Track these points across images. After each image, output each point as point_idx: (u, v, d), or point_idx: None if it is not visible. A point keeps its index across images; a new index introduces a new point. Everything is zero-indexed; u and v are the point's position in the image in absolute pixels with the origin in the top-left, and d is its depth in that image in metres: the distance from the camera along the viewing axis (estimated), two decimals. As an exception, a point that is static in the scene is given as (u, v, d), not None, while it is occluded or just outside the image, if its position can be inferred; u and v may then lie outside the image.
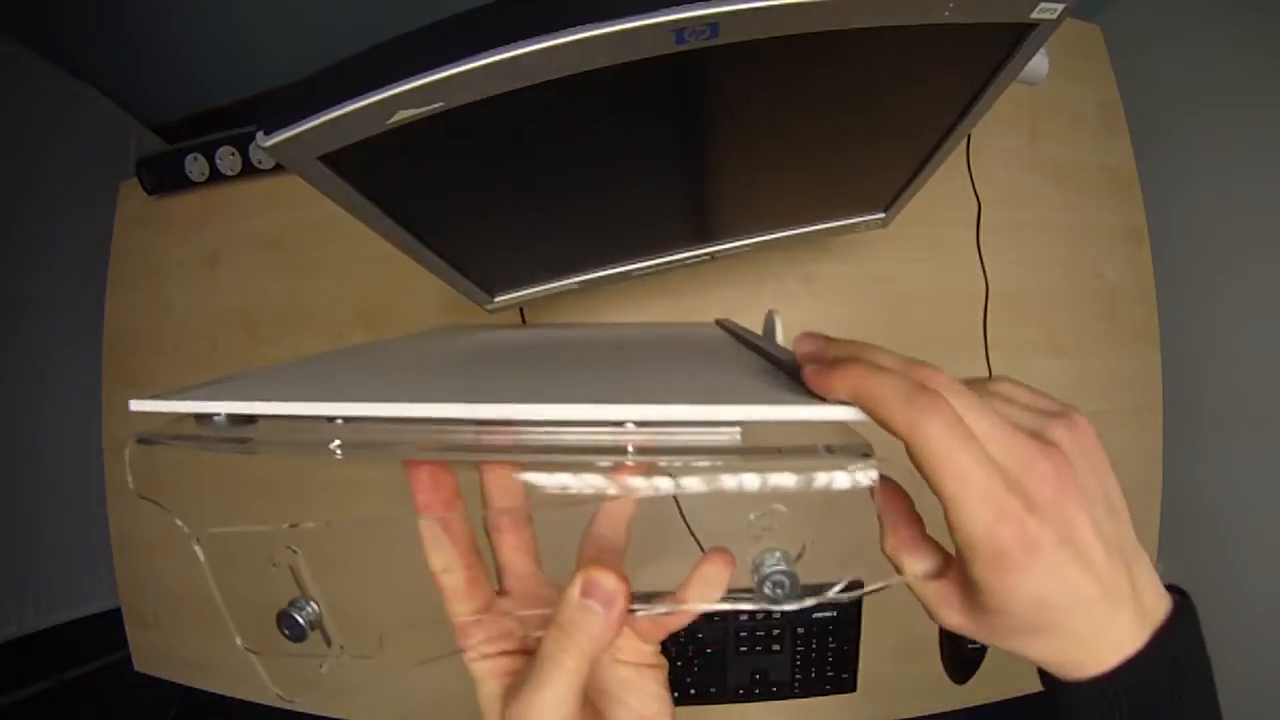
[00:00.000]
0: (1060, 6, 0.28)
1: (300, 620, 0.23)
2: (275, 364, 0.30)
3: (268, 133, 0.25)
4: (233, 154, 0.76)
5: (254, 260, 0.78)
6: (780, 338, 0.39)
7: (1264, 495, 0.70)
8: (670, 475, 0.20)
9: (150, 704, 1.18)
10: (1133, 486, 0.74)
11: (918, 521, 0.25)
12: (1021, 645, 0.22)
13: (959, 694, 0.67)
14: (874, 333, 0.71)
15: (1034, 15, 0.28)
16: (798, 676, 0.66)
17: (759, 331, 0.44)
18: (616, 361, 0.34)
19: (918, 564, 0.25)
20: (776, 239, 0.55)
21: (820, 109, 0.36)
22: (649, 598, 0.23)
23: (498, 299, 0.53)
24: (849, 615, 0.66)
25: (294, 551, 0.24)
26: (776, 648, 0.66)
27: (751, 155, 0.41)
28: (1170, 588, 0.23)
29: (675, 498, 0.21)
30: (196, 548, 0.23)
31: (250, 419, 0.22)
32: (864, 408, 0.21)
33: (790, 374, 0.24)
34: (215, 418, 0.22)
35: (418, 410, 0.20)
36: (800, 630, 0.66)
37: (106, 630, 0.86)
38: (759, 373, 0.26)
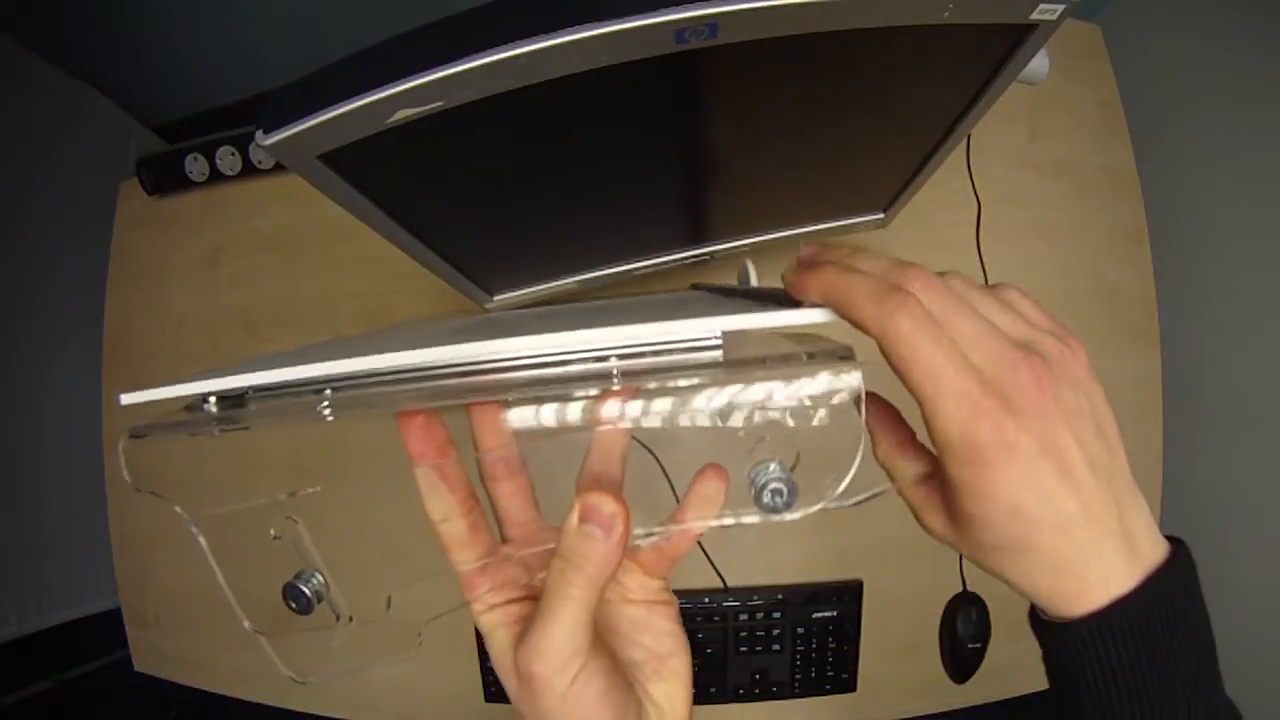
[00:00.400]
0: (1060, 7, 0.28)
1: (306, 591, 0.23)
2: (263, 354, 0.30)
3: (267, 131, 0.25)
4: (233, 154, 0.76)
5: (254, 260, 0.78)
6: (755, 284, 0.39)
7: (1264, 495, 0.70)
8: (656, 395, 0.20)
9: (150, 704, 1.18)
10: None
11: (905, 427, 0.25)
12: (1001, 564, 0.22)
13: (959, 694, 0.67)
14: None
15: (1034, 16, 0.28)
16: (798, 676, 0.66)
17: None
18: (598, 316, 0.35)
19: (908, 468, 0.25)
20: (776, 239, 0.55)
21: (820, 109, 0.36)
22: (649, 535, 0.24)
23: (497, 298, 0.53)
24: (849, 615, 0.66)
25: (295, 522, 0.23)
26: (776, 648, 0.66)
27: (751, 155, 0.41)
28: (1169, 538, 0.23)
29: (658, 458, 0.21)
30: (196, 532, 0.23)
31: (240, 401, 0.22)
32: (836, 309, 0.21)
33: (773, 300, 0.24)
34: (205, 403, 0.22)
35: (400, 360, 0.20)
36: (800, 630, 0.66)
37: (106, 630, 0.86)
38: (739, 305, 0.26)
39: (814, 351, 0.20)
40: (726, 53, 0.26)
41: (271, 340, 0.76)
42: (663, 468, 0.24)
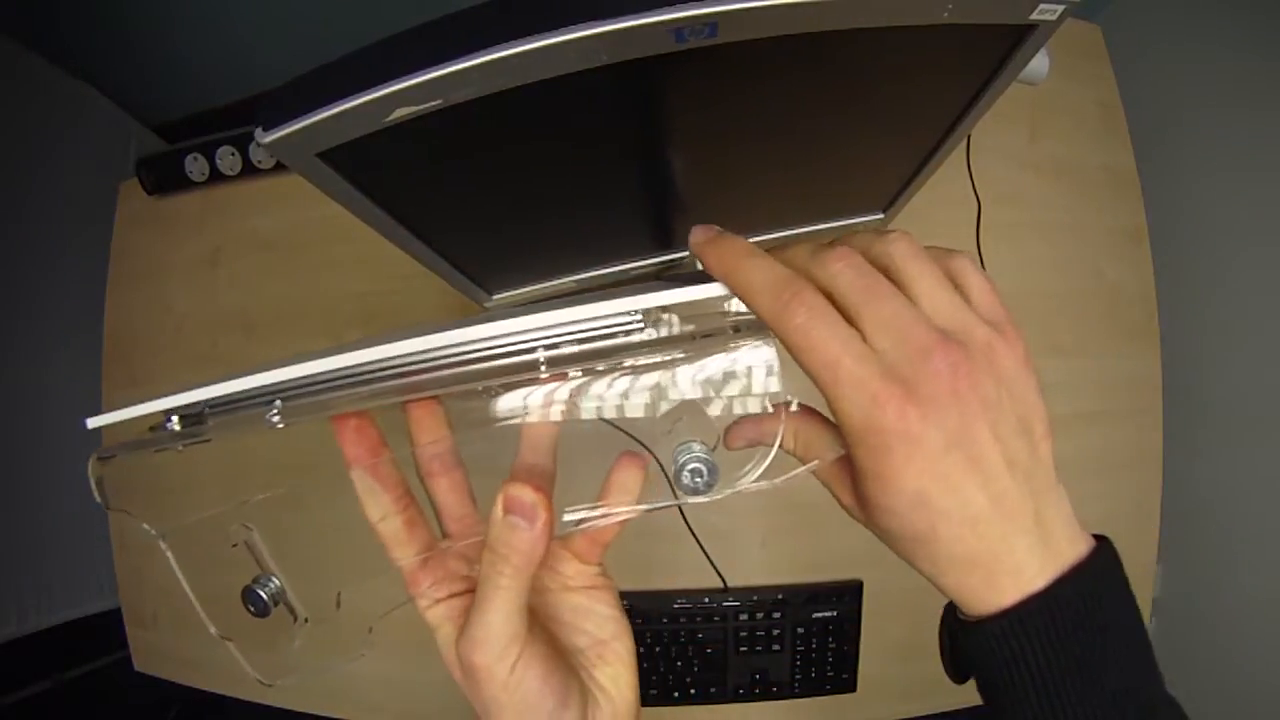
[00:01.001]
0: (1060, 7, 0.28)
1: (263, 595, 0.24)
2: (262, 358, 0.31)
3: (267, 129, 0.25)
4: (233, 154, 0.76)
5: (254, 260, 0.78)
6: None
7: (1264, 495, 0.70)
8: (580, 380, 0.21)
9: (150, 704, 1.18)
10: (1133, 486, 0.74)
11: (810, 408, 0.25)
12: (909, 553, 0.21)
13: (959, 694, 0.67)
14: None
15: (1034, 16, 0.28)
16: (798, 676, 0.66)
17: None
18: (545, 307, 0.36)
19: (823, 448, 0.25)
20: (776, 239, 0.55)
21: (820, 109, 0.36)
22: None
23: (496, 297, 0.53)
24: (849, 615, 0.66)
25: (249, 529, 0.24)
26: (776, 648, 0.66)
27: (750, 155, 0.41)
28: (1095, 536, 0.22)
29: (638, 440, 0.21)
30: (163, 545, 0.24)
31: (199, 418, 0.23)
32: (737, 297, 0.21)
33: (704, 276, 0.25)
34: (169, 422, 0.22)
35: (335, 363, 0.21)
36: (800, 630, 0.66)
37: (106, 630, 0.86)
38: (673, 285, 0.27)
39: (740, 325, 0.21)
40: (726, 52, 0.26)
41: (271, 340, 0.76)
42: (648, 448, 0.24)
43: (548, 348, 0.21)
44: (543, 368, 0.21)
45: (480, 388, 0.22)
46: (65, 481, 0.96)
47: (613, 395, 0.22)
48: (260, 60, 1.27)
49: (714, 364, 0.21)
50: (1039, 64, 0.72)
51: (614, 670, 0.26)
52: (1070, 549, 0.21)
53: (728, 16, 0.24)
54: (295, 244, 0.77)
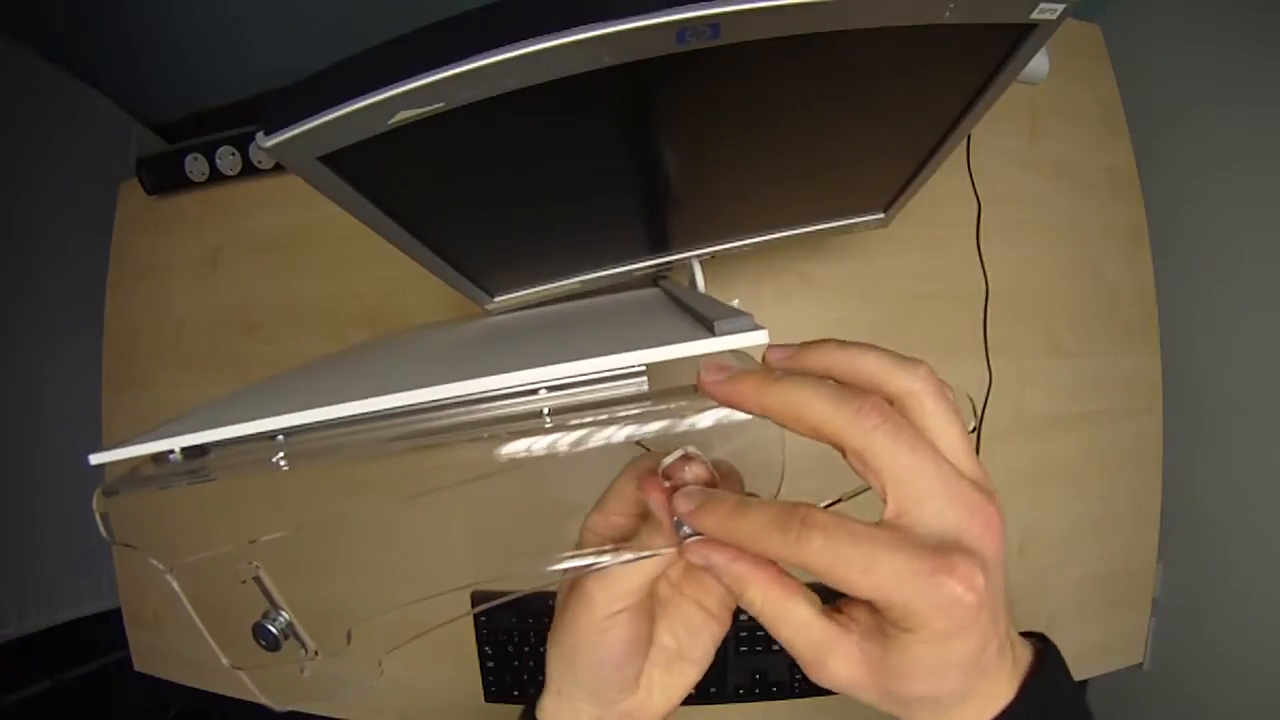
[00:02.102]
0: (1060, 7, 0.28)
1: (273, 630, 0.25)
2: (231, 393, 0.32)
3: (268, 133, 0.25)
4: (233, 154, 0.76)
5: (254, 260, 0.78)
6: (701, 286, 0.41)
7: (1264, 495, 0.70)
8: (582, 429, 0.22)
9: (150, 704, 1.18)
10: (1133, 486, 0.74)
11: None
12: (920, 713, 0.21)
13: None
14: (874, 333, 0.71)
15: (1034, 16, 0.28)
16: (798, 676, 0.66)
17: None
18: (550, 333, 0.36)
19: (801, 608, 0.22)
20: (777, 239, 0.55)
21: (820, 109, 0.36)
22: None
23: (497, 299, 0.53)
24: (849, 615, 0.66)
25: (255, 566, 0.25)
26: (776, 648, 0.66)
27: (752, 155, 0.41)
28: (1027, 634, 0.24)
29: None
30: (171, 580, 0.24)
31: (203, 450, 0.23)
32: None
33: (705, 321, 0.25)
34: (170, 455, 0.23)
35: (341, 411, 0.21)
36: (800, 630, 0.66)
37: (107, 630, 0.86)
38: (676, 325, 0.26)
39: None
40: (728, 53, 0.26)
41: (271, 341, 0.76)
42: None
43: (551, 395, 0.22)
44: (547, 419, 0.22)
45: (486, 434, 0.22)
46: (65, 482, 0.96)
47: (619, 438, 0.22)
48: (260, 60, 1.27)
49: (712, 418, 0.22)
50: (1039, 64, 0.72)
51: (668, 681, 0.28)
52: (1023, 653, 0.22)
53: (730, 18, 0.24)
54: (295, 244, 0.77)
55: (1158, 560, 0.73)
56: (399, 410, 0.22)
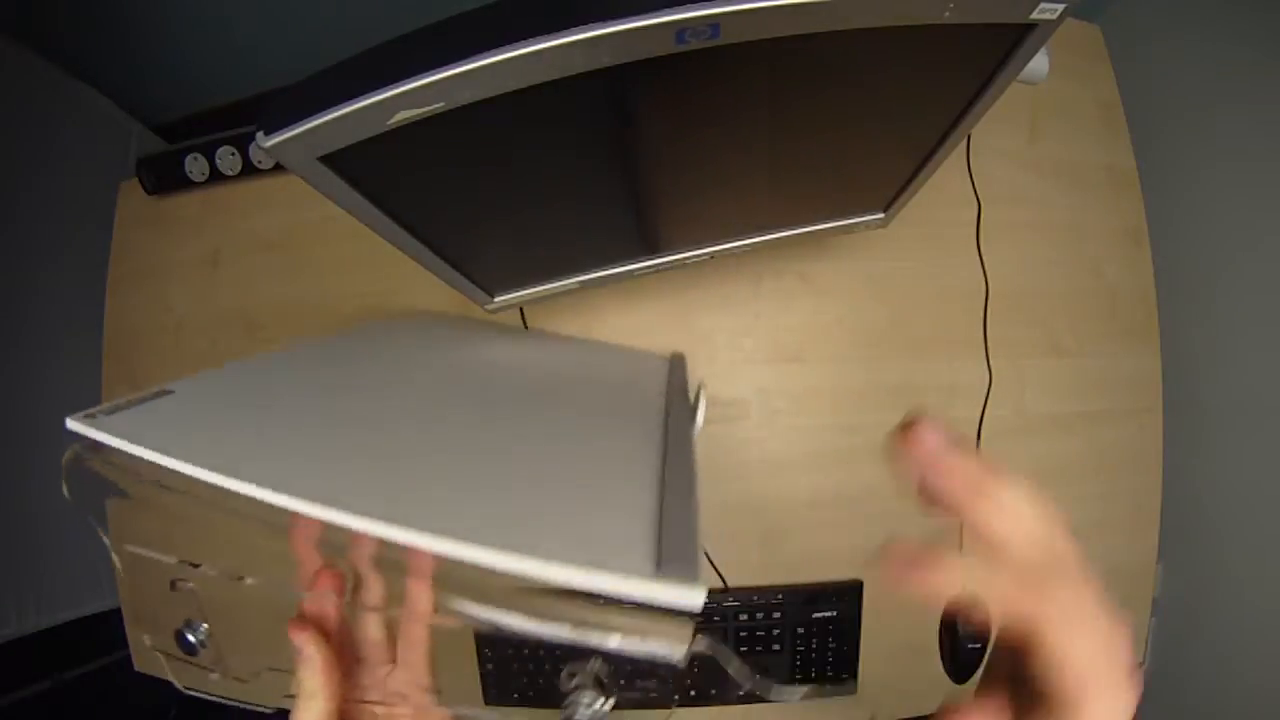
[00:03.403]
0: (1060, 7, 0.28)
1: (192, 639, 0.27)
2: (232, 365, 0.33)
3: (268, 133, 0.25)
4: (233, 154, 0.76)
5: (254, 260, 0.78)
6: (701, 415, 0.40)
7: (1264, 495, 0.70)
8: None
9: (150, 704, 1.17)
10: (1133, 486, 0.74)
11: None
12: None
13: (959, 694, 0.67)
14: (874, 332, 0.71)
15: (1034, 16, 0.28)
16: (798, 676, 0.66)
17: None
18: (525, 428, 0.35)
19: None
20: (777, 239, 0.55)
21: (820, 109, 0.36)
22: None
23: (497, 299, 0.53)
24: (849, 615, 0.66)
25: (188, 583, 0.27)
26: (776, 647, 0.66)
27: (751, 155, 0.41)
28: None
29: None
30: (114, 557, 0.25)
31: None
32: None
33: (658, 543, 0.22)
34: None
35: (310, 510, 0.21)
36: (800, 630, 0.66)
37: (107, 630, 0.86)
38: (634, 506, 0.25)
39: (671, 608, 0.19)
40: (728, 53, 0.26)
41: (272, 341, 0.76)
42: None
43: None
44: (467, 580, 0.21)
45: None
46: (65, 481, 0.96)
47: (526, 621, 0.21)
48: (260, 60, 1.27)
49: (629, 639, 0.20)
50: (1039, 64, 0.72)
51: None
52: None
53: (730, 18, 0.24)
54: (295, 244, 0.77)
55: (1158, 560, 0.73)
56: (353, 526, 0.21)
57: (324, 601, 0.26)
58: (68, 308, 0.98)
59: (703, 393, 0.41)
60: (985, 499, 0.20)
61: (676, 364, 0.57)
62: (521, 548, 0.19)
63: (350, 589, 0.27)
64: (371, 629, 0.29)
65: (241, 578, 0.25)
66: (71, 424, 0.23)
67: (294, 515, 0.20)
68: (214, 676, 0.26)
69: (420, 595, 0.26)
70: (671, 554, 0.20)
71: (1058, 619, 0.19)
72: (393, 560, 0.24)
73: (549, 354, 0.61)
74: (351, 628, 0.29)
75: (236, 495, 0.21)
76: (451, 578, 0.21)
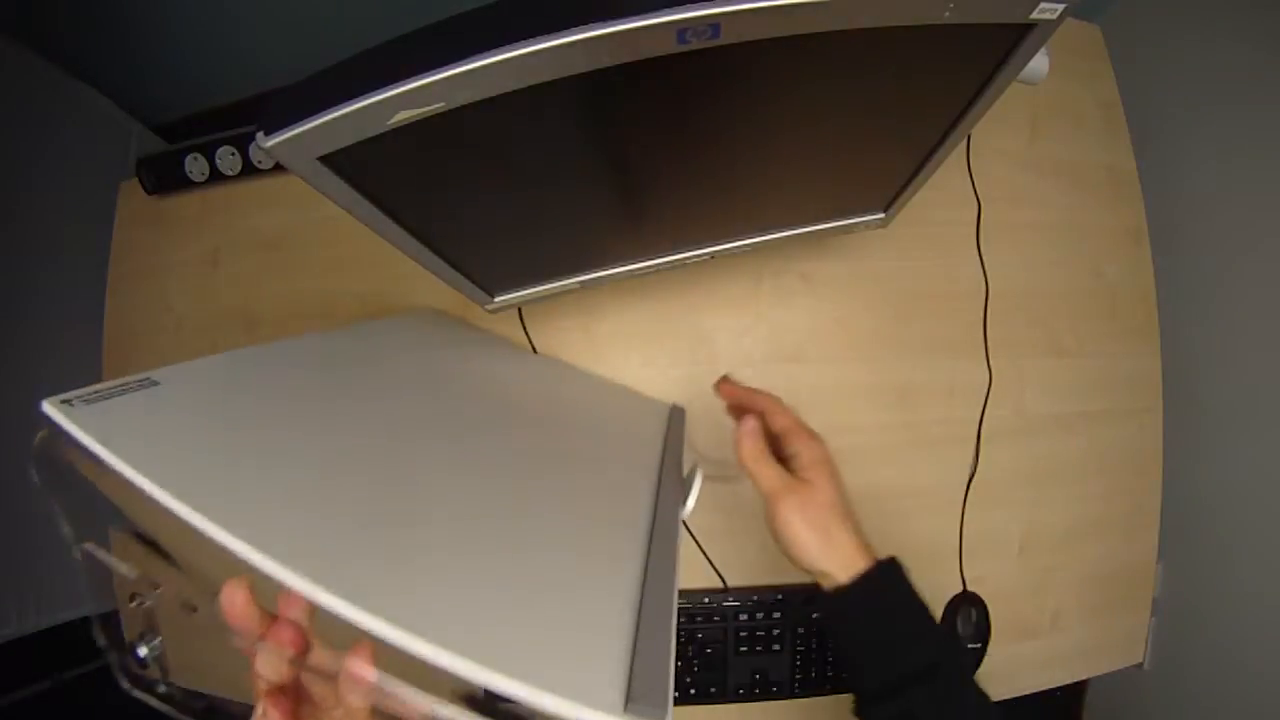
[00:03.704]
0: (1060, 7, 0.28)
1: (142, 653, 0.27)
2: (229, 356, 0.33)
3: (268, 133, 0.25)
4: (233, 154, 0.76)
5: (254, 260, 0.78)
6: (694, 499, 0.41)
7: (1264, 495, 0.70)
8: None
9: (150, 704, 1.17)
10: (1133, 486, 0.74)
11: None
12: (794, 559, 0.43)
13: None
14: (874, 333, 0.71)
15: (1034, 16, 0.28)
16: (798, 676, 0.66)
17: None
18: (502, 486, 0.34)
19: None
20: (777, 239, 0.55)
21: (821, 109, 0.36)
22: None
23: (497, 299, 0.53)
24: (849, 615, 0.66)
25: (142, 598, 0.26)
26: (776, 647, 0.66)
27: (751, 155, 0.41)
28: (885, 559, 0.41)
29: None
30: (75, 552, 0.25)
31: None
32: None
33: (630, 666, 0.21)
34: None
35: (263, 564, 0.20)
36: (800, 630, 0.66)
37: (107, 631, 0.86)
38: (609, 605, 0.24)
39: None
40: (728, 53, 0.26)
41: (271, 341, 0.76)
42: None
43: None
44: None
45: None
46: (65, 481, 0.96)
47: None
48: (260, 60, 1.27)
49: None
50: (1039, 64, 0.72)
51: None
52: (856, 562, 0.41)
53: (730, 17, 0.24)
54: (295, 244, 0.77)
55: (1158, 560, 0.73)
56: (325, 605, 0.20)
57: (277, 656, 0.25)
58: (68, 307, 0.98)
59: (698, 474, 0.41)
60: (764, 400, 0.46)
61: (675, 419, 0.57)
62: (485, 655, 0.18)
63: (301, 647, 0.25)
64: (316, 685, 0.27)
65: (195, 608, 0.24)
66: (46, 407, 0.22)
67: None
68: (162, 689, 0.27)
69: (362, 673, 0.22)
70: (641, 690, 0.19)
71: (794, 424, 0.44)
72: (340, 635, 0.21)
73: (544, 385, 0.60)
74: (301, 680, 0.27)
75: (188, 523, 0.21)
76: (396, 664, 0.19)
